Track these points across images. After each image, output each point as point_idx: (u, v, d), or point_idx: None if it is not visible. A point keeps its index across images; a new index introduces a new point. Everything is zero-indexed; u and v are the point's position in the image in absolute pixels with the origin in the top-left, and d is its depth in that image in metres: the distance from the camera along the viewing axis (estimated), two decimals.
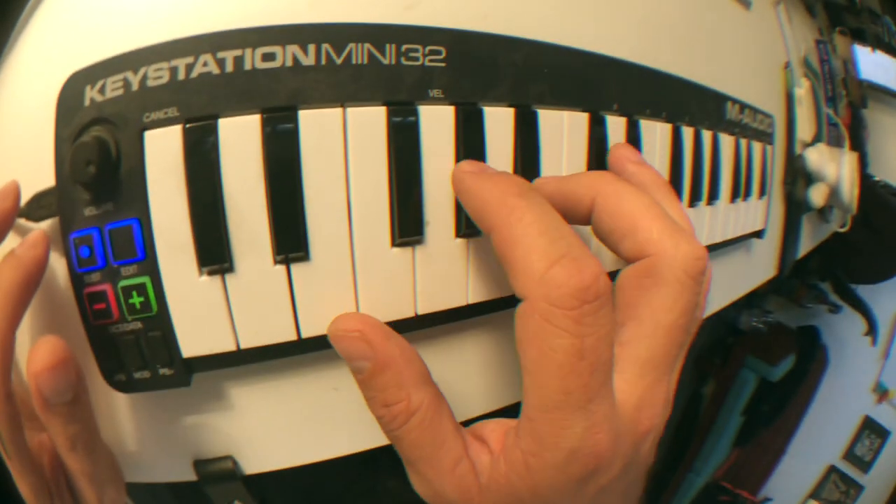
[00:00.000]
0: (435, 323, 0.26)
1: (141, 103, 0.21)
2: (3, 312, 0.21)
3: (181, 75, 0.21)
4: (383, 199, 0.23)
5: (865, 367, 0.75)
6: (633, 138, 0.31)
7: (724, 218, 0.41)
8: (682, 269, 0.21)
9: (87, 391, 0.22)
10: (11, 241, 0.23)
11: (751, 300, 0.72)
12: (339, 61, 0.22)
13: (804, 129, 0.56)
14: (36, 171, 0.23)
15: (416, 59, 0.24)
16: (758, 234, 0.48)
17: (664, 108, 0.33)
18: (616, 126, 0.30)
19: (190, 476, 0.26)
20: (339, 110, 0.23)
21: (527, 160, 0.26)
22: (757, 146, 0.45)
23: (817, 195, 0.56)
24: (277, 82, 0.22)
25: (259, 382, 0.25)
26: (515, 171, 0.26)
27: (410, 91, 0.24)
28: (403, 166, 0.24)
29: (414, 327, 0.25)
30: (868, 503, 0.75)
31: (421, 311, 0.25)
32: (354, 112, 0.23)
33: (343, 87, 0.23)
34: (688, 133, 0.35)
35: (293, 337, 0.23)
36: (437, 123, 0.24)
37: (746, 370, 0.72)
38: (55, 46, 0.24)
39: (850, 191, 0.56)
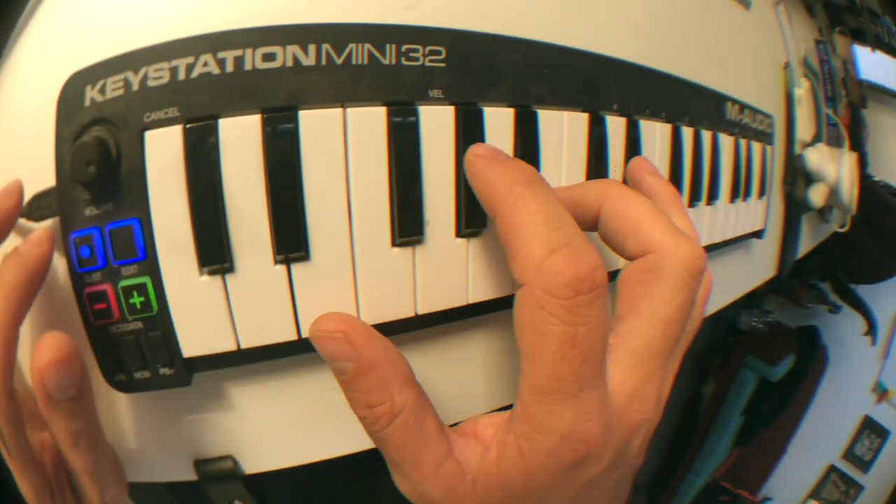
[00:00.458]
0: (435, 323, 0.26)
1: (141, 103, 0.21)
2: (7, 310, 0.21)
3: (181, 75, 0.21)
4: (383, 199, 0.24)
5: (865, 366, 0.75)
6: (633, 138, 0.31)
7: (724, 218, 0.41)
8: (682, 265, 0.22)
9: (91, 387, 0.22)
10: (12, 241, 0.23)
11: (751, 300, 0.72)
12: (339, 61, 0.22)
13: (804, 130, 0.56)
14: (36, 171, 0.23)
15: (417, 59, 0.24)
16: (757, 235, 0.48)
17: (664, 108, 0.33)
18: (616, 126, 0.30)
19: (190, 476, 0.26)
20: (339, 110, 0.23)
21: (527, 160, 0.26)
22: (756, 146, 0.45)
23: (817, 195, 0.56)
24: (278, 82, 0.22)
25: (259, 382, 0.25)
26: None
27: (410, 91, 0.24)
28: (403, 166, 0.24)
29: (414, 327, 0.25)
30: (868, 503, 0.75)
31: (421, 311, 0.25)
32: (354, 112, 0.23)
33: (343, 88, 0.23)
34: (687, 133, 0.35)
35: (293, 337, 0.23)
36: (437, 123, 0.24)
37: (746, 370, 0.72)
38: (55, 46, 0.24)
39: (849, 191, 0.56)
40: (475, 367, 0.28)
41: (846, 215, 0.65)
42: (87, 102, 0.22)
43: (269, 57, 0.22)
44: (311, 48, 0.22)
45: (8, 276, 0.22)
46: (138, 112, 0.21)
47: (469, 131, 0.25)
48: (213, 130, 0.21)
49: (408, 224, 0.24)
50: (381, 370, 0.21)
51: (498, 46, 0.25)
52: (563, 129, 0.28)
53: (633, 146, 0.31)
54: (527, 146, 0.26)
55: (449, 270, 0.25)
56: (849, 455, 0.75)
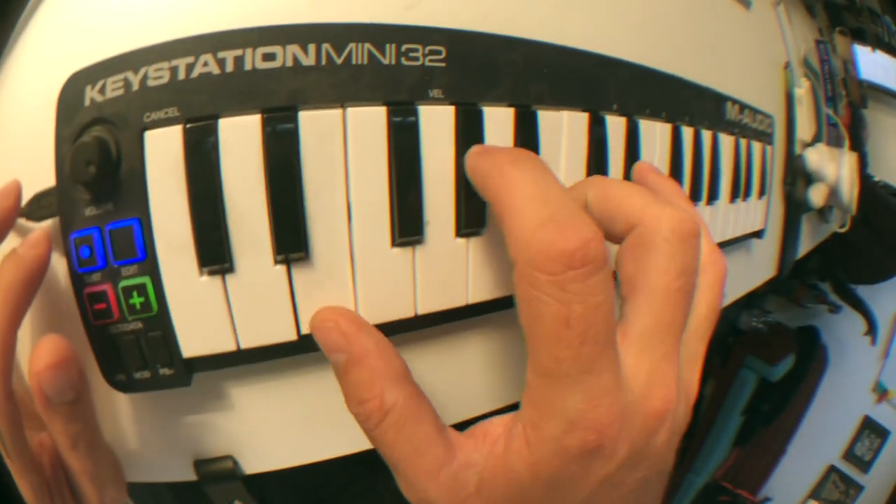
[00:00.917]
0: (435, 323, 0.26)
1: (141, 103, 0.21)
2: (5, 311, 0.21)
3: (181, 75, 0.21)
4: (383, 199, 0.24)
5: (865, 367, 0.75)
6: (633, 138, 0.31)
7: (724, 218, 0.41)
8: (668, 229, 0.21)
9: (89, 390, 0.22)
10: (12, 241, 0.23)
11: (751, 300, 0.72)
12: (339, 61, 0.22)
13: (804, 129, 0.56)
14: (36, 171, 0.23)
15: (416, 59, 0.24)
16: (757, 235, 0.48)
17: (664, 108, 0.33)
18: (616, 126, 0.30)
19: (190, 476, 0.26)
20: (339, 110, 0.23)
21: None
22: (757, 146, 0.45)
23: (817, 195, 0.56)
24: (277, 82, 0.22)
25: (259, 382, 0.25)
26: None
27: (410, 91, 0.24)
28: (403, 166, 0.24)
29: (414, 327, 0.25)
30: (868, 503, 0.75)
31: (421, 311, 0.25)
32: (354, 112, 0.23)
33: (343, 87, 0.23)
34: (687, 133, 0.35)
35: (293, 337, 0.23)
36: (437, 123, 0.24)
37: (746, 370, 0.72)
38: (55, 46, 0.24)
39: (849, 191, 0.56)
40: (475, 368, 0.28)
41: (846, 215, 0.65)
42: (87, 102, 0.22)
43: (269, 57, 0.22)
44: (311, 48, 0.22)
45: (6, 277, 0.22)
46: (138, 112, 0.21)
47: (469, 131, 0.25)
48: (213, 130, 0.21)
49: (408, 224, 0.24)
50: (369, 363, 0.21)
51: (498, 46, 0.25)
52: (562, 129, 0.28)
53: (632, 146, 0.31)
54: (527, 146, 0.26)
55: (449, 270, 0.25)
56: (849, 455, 0.75)
